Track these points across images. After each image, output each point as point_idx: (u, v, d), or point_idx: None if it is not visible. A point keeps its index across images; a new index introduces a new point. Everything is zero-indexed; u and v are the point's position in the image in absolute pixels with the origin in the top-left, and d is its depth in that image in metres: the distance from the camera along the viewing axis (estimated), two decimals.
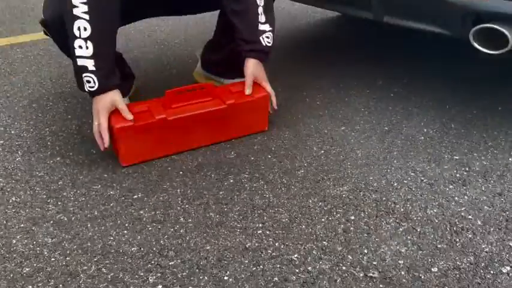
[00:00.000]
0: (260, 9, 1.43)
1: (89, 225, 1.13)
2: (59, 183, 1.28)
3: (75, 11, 1.21)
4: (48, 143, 1.48)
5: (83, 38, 1.23)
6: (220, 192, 1.24)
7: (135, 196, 1.23)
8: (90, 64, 1.24)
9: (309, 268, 1.00)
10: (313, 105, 1.69)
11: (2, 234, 1.11)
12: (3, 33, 2.55)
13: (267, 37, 1.45)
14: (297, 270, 0.99)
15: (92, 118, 1.32)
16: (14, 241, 1.09)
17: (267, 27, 1.45)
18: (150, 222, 1.14)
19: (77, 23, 1.22)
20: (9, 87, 1.89)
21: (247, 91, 1.45)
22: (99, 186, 1.27)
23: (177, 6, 1.63)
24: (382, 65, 2.01)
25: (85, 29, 1.22)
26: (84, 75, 1.26)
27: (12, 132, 1.55)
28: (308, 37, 2.41)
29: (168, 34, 2.40)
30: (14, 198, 1.23)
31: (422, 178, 1.29)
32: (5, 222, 1.15)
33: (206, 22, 2.30)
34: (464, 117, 1.58)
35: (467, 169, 1.32)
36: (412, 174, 1.30)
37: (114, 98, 1.29)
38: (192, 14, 1.74)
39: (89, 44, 1.23)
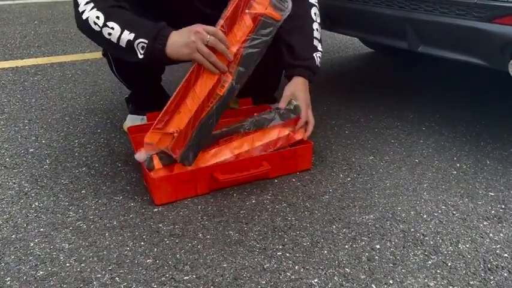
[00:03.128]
0: (316, 25, 1.39)
1: (106, 234, 1.11)
2: (82, 191, 1.29)
3: (85, 14, 1.18)
4: (76, 154, 1.50)
5: (103, 25, 1.17)
6: (241, 211, 1.21)
7: (156, 209, 1.21)
8: (127, 35, 1.16)
9: None
10: (342, 134, 1.66)
11: (20, 236, 1.11)
12: (46, 53, 2.67)
13: (319, 57, 1.39)
14: None
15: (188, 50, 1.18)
16: (32, 244, 1.08)
17: (319, 45, 1.40)
18: (168, 235, 1.11)
19: (91, 20, 1.17)
20: (44, 101, 1.95)
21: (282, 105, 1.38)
22: (121, 197, 1.27)
23: None
24: (413, 99, 1.97)
25: (98, 17, 1.17)
26: (135, 46, 1.16)
27: (43, 141, 1.59)
28: (339, 70, 2.41)
29: None
30: (36, 203, 1.24)
31: (454, 212, 1.22)
32: (25, 225, 1.15)
33: None
34: (500, 154, 1.51)
35: (503, 206, 1.25)
36: (443, 207, 1.24)
37: (189, 28, 1.17)
38: None
39: (111, 23, 1.16)
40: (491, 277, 1.00)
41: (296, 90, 1.39)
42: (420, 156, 1.50)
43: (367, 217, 1.19)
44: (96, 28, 1.19)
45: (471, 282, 0.98)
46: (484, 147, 1.56)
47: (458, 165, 1.45)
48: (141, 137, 1.40)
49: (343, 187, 1.33)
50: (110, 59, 1.47)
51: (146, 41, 1.17)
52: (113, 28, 1.18)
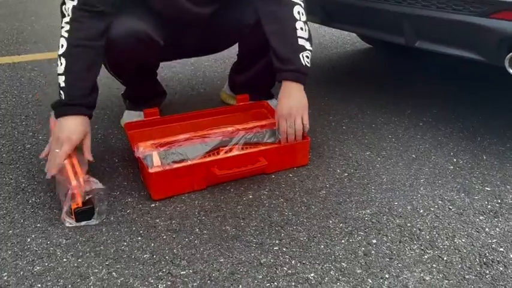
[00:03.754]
0: (300, 24, 1.35)
1: (103, 230, 1.12)
2: None
3: (62, 30, 1.24)
4: None
5: (58, 55, 1.23)
6: (238, 207, 1.21)
7: (153, 205, 1.21)
8: (61, 80, 1.22)
9: None
10: (339, 129, 1.66)
11: (17, 232, 1.11)
12: (42, 49, 2.66)
13: (307, 56, 1.34)
14: None
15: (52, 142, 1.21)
16: (29, 239, 1.08)
17: (308, 44, 1.36)
18: (165, 230, 1.11)
19: (60, 41, 1.23)
20: (42, 97, 1.95)
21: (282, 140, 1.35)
22: (118, 192, 1.27)
23: (205, 47, 1.66)
24: (411, 94, 1.97)
25: (62, 46, 1.22)
26: (60, 92, 1.23)
27: (40, 137, 1.59)
28: (337, 66, 2.41)
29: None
30: (33, 199, 1.24)
31: (451, 207, 1.22)
32: (22, 220, 1.15)
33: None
34: (497, 149, 1.52)
35: (499, 201, 1.25)
36: (440, 202, 1.24)
37: (82, 131, 1.20)
38: (220, 51, 1.74)
39: (62, 60, 1.22)
40: (487, 271, 1.00)
41: (281, 97, 1.36)
42: (417, 152, 1.51)
43: (363, 212, 1.20)
44: (59, 48, 1.24)
45: (467, 276, 0.99)
46: (480, 142, 1.56)
47: (455, 160, 1.46)
48: (137, 133, 1.41)
49: (340, 182, 1.33)
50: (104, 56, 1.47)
51: (62, 98, 1.22)
52: (61, 64, 1.23)
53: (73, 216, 1.12)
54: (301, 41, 1.35)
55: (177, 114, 1.54)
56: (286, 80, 1.35)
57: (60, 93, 1.22)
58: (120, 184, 1.31)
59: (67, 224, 1.12)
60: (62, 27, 1.24)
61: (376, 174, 1.37)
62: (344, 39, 2.89)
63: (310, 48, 1.37)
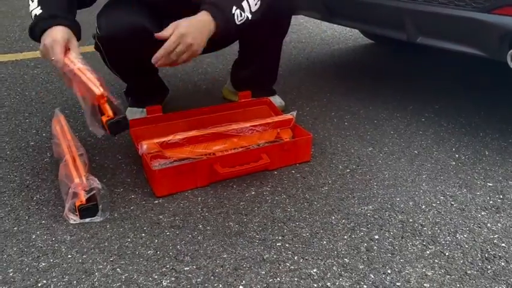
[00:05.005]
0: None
1: (107, 226, 1.12)
2: None
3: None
4: None
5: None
6: (241, 203, 1.22)
7: (156, 201, 1.22)
8: (38, 11, 1.18)
9: (328, 284, 0.95)
10: (341, 125, 1.66)
11: (22, 229, 1.12)
12: None
13: (240, 14, 1.26)
14: (316, 285, 0.95)
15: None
16: (34, 236, 1.09)
17: (247, 8, 1.27)
18: (168, 227, 1.12)
19: None
20: (44, 94, 1.96)
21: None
22: (121, 189, 1.28)
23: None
24: (413, 90, 1.97)
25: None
26: (34, 21, 1.18)
27: (44, 135, 1.59)
28: (339, 62, 2.41)
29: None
30: (38, 196, 1.24)
31: (453, 203, 1.23)
32: (27, 217, 1.16)
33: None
34: (499, 144, 1.52)
35: (501, 196, 1.25)
36: (442, 198, 1.25)
37: (65, 33, 1.15)
38: (221, 48, 1.74)
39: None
40: (489, 266, 1.01)
41: (188, 18, 1.24)
42: (419, 147, 1.51)
43: (366, 208, 1.20)
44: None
45: (468, 272, 0.99)
46: (483, 138, 1.56)
47: (457, 156, 1.46)
48: (140, 131, 1.41)
49: (342, 178, 1.33)
50: (103, 53, 1.47)
51: (41, 12, 1.18)
52: (32, 1, 1.20)
53: (77, 213, 1.13)
54: (244, 3, 1.28)
55: (179, 111, 1.54)
56: (204, 10, 1.25)
57: (37, 19, 1.18)
58: (124, 181, 1.32)
59: (71, 221, 1.13)
60: None
61: (378, 170, 1.38)
62: (346, 35, 2.88)
63: (249, 15, 1.29)
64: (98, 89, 1.04)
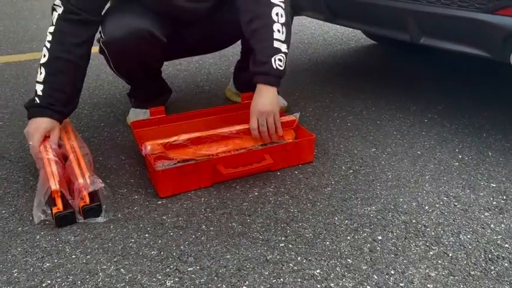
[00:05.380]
0: (277, 26, 1.33)
1: (111, 227, 1.13)
2: None
3: (46, 40, 1.29)
4: None
5: (40, 64, 1.29)
6: (244, 204, 1.22)
7: (159, 202, 1.23)
8: (39, 89, 1.28)
9: (331, 284, 0.96)
10: (344, 126, 1.66)
11: (27, 229, 1.12)
12: None
13: (280, 59, 1.33)
14: (319, 286, 0.95)
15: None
16: (38, 236, 1.10)
17: (283, 47, 1.34)
18: (172, 227, 1.13)
19: (43, 50, 1.29)
20: None
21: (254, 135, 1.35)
22: (125, 190, 1.28)
23: (208, 45, 1.68)
24: (416, 91, 1.97)
25: (44, 55, 1.29)
26: (30, 104, 1.29)
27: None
28: (341, 63, 2.41)
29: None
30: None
31: (456, 203, 1.23)
32: (31, 218, 1.16)
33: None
34: (502, 145, 1.51)
35: (504, 197, 1.25)
36: (445, 198, 1.25)
37: (49, 124, 1.27)
38: (224, 48, 1.77)
39: (42, 70, 1.28)
40: (492, 267, 1.01)
41: (254, 97, 1.36)
42: (422, 148, 1.51)
43: (369, 209, 1.20)
44: (41, 57, 1.30)
45: (472, 273, 0.99)
46: (486, 138, 1.56)
47: (460, 156, 1.46)
48: (144, 132, 1.42)
49: (345, 179, 1.34)
50: (108, 56, 1.48)
51: (36, 101, 1.29)
52: (40, 73, 1.29)
53: (81, 214, 1.14)
54: (276, 44, 1.34)
55: (183, 112, 1.54)
56: (258, 83, 1.36)
57: (35, 99, 1.29)
58: (127, 181, 1.32)
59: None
60: (47, 35, 1.29)
61: (381, 171, 1.38)
62: (348, 36, 2.89)
63: (286, 51, 1.36)
64: (54, 185, 1.14)
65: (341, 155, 1.47)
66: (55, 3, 1.29)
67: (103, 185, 1.16)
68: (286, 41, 1.36)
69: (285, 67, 1.36)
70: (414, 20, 1.46)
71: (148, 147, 1.24)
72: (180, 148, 1.31)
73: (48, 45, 1.29)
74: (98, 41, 1.44)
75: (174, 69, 2.25)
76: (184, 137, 1.30)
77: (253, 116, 1.35)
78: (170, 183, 1.23)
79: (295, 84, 2.06)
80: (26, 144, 1.53)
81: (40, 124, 1.26)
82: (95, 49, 1.52)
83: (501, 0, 1.21)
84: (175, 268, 1.00)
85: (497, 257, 1.03)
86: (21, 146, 1.53)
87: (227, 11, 1.53)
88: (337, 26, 2.80)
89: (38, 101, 1.28)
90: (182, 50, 1.66)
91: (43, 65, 1.29)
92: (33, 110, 1.28)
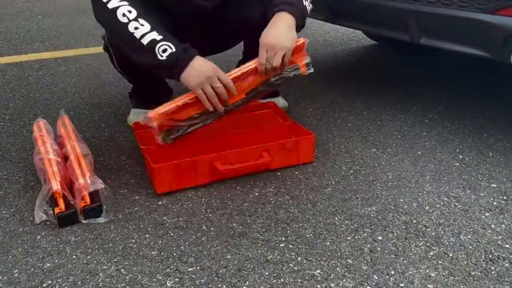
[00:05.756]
0: None
1: (112, 227, 1.13)
2: None
3: (110, 4, 1.21)
4: None
5: (133, 19, 1.20)
6: (245, 204, 1.22)
7: (160, 202, 1.23)
8: (155, 35, 1.19)
9: (332, 285, 0.96)
10: (345, 126, 1.66)
11: (27, 229, 1.13)
12: (49, 48, 2.68)
13: (309, 4, 1.29)
14: (319, 286, 0.95)
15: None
16: (39, 237, 1.10)
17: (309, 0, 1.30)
18: (172, 228, 1.13)
19: (120, 11, 1.20)
20: (49, 95, 1.97)
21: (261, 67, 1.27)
22: (126, 190, 1.28)
23: (213, 45, 1.66)
24: (416, 91, 1.97)
25: (129, 11, 1.20)
26: (157, 46, 1.19)
27: None
28: (342, 63, 2.41)
29: None
30: None
31: (456, 204, 1.23)
32: (31, 218, 1.16)
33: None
34: (503, 145, 1.51)
35: (505, 198, 1.25)
36: (446, 199, 1.25)
37: (211, 65, 1.21)
38: (228, 49, 1.77)
39: (142, 21, 1.20)
40: (492, 267, 1.01)
41: (269, 25, 1.24)
42: (423, 149, 1.51)
43: (369, 209, 1.20)
44: (124, 20, 1.20)
45: (472, 273, 0.99)
46: (486, 139, 1.56)
47: (460, 157, 1.46)
48: (145, 133, 1.42)
49: (345, 179, 1.34)
50: (112, 54, 1.48)
51: (174, 49, 1.20)
52: (142, 25, 1.20)
53: (82, 214, 1.14)
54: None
55: None
56: (279, 11, 1.25)
57: (157, 46, 1.19)
58: (128, 182, 1.32)
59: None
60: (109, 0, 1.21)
61: (381, 171, 1.38)
62: (349, 36, 2.88)
63: (312, 5, 1.32)
64: (55, 185, 1.14)
65: (341, 155, 1.47)
66: None
67: (103, 185, 1.16)
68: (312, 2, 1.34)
69: (308, 13, 1.30)
70: (414, 20, 1.46)
71: (154, 123, 1.22)
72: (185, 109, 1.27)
73: (124, 2, 1.20)
74: (104, 38, 1.44)
75: None
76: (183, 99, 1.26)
77: (263, 48, 1.25)
78: (166, 179, 1.24)
79: (296, 85, 2.06)
80: (27, 145, 1.54)
81: (206, 62, 1.21)
82: (98, 49, 1.52)
83: (501, 1, 1.21)
84: (175, 268, 1.00)
85: (498, 258, 1.03)
86: (22, 147, 1.53)
87: (233, 9, 1.53)
88: (338, 26, 2.80)
89: (173, 48, 1.19)
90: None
91: (138, 16, 1.19)
92: (186, 54, 1.20)
